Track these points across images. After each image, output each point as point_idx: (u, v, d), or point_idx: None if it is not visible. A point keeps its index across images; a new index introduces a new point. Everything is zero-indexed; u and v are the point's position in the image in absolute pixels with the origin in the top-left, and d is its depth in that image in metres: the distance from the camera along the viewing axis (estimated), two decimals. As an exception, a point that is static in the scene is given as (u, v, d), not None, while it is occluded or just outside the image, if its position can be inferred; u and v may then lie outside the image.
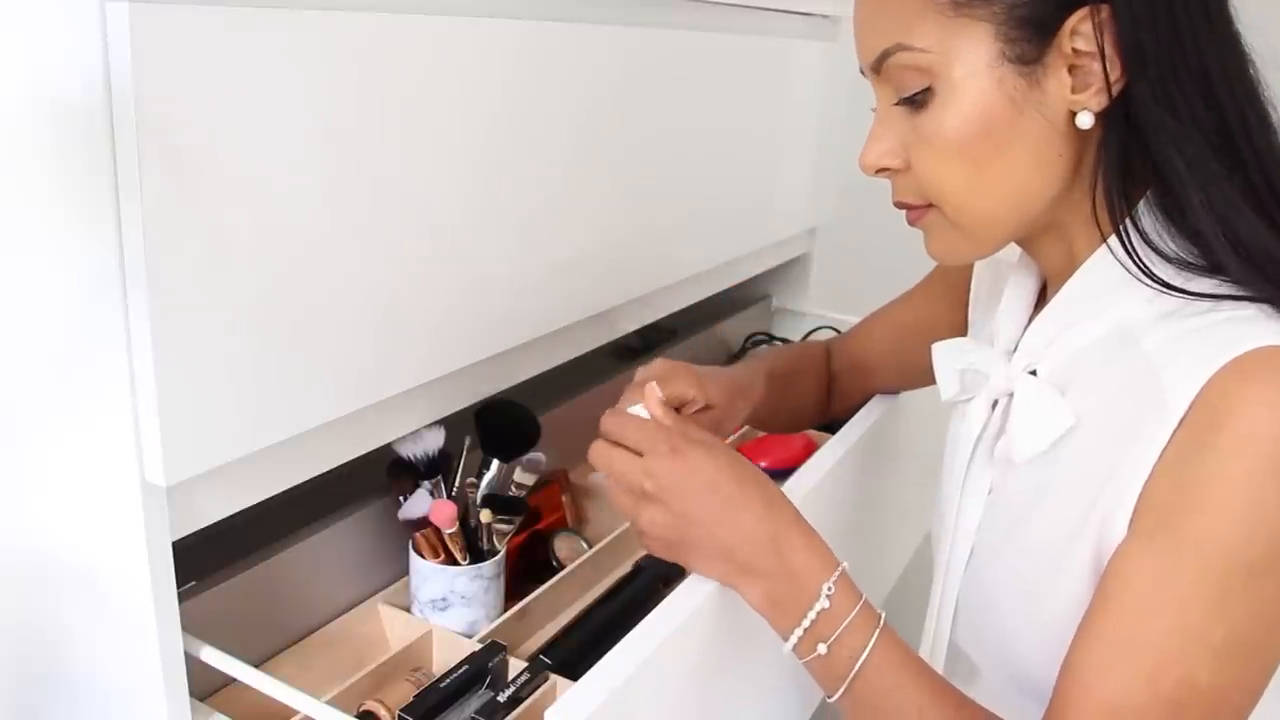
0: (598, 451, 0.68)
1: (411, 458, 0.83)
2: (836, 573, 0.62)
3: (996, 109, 0.58)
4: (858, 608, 0.61)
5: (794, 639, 0.62)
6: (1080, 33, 0.57)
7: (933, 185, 0.62)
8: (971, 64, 0.58)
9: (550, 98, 0.84)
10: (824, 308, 1.52)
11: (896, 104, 0.61)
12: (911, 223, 0.65)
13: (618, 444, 0.67)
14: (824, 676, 0.62)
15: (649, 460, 0.65)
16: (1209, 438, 0.53)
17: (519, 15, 0.79)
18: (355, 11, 0.64)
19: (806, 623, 0.61)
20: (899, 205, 0.65)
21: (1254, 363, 0.53)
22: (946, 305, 0.89)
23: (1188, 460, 0.54)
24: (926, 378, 0.93)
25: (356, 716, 0.74)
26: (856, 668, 0.60)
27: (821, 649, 0.61)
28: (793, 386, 0.96)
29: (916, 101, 0.60)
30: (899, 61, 0.60)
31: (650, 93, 0.98)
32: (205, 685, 0.73)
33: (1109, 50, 0.56)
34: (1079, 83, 0.58)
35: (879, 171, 0.64)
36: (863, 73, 0.64)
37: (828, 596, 0.61)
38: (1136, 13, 0.56)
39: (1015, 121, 0.59)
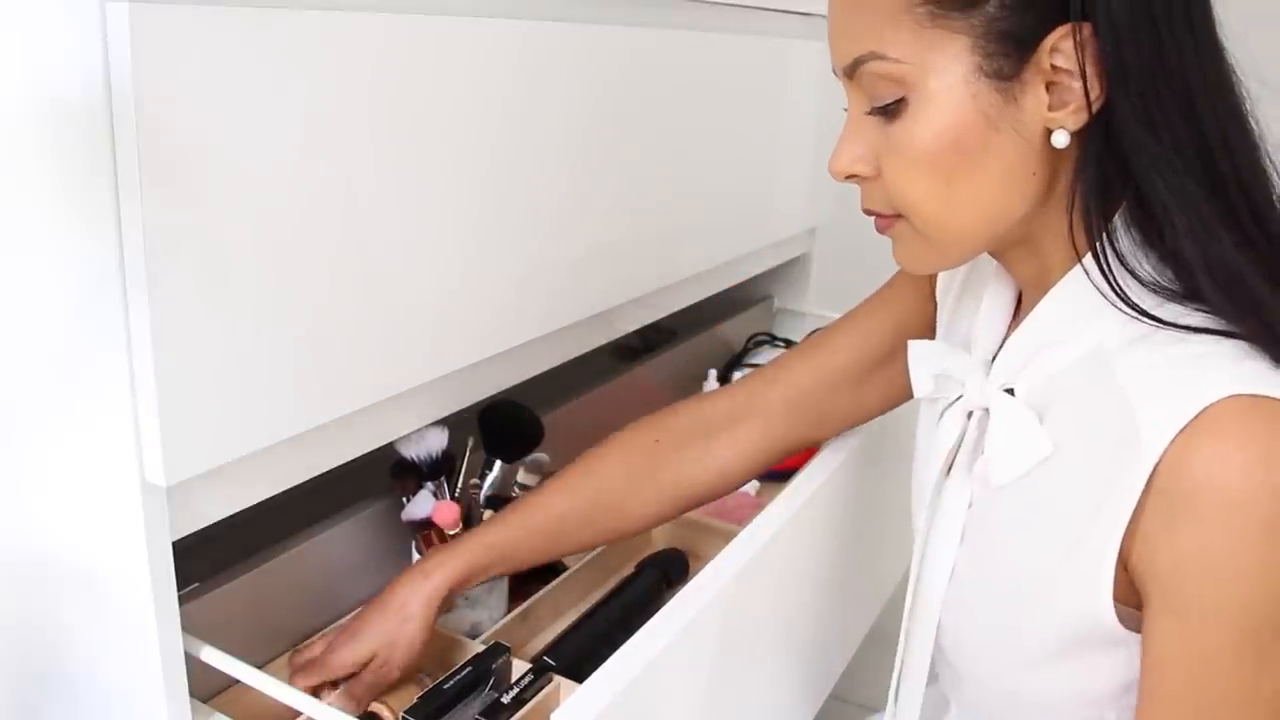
0: None
1: (415, 459, 0.83)
2: None
3: (970, 124, 0.57)
4: None
5: None
6: (1060, 50, 0.55)
7: (901, 196, 0.60)
8: (947, 77, 0.56)
9: (550, 98, 0.84)
10: (824, 308, 1.52)
11: (869, 112, 0.60)
12: (880, 230, 0.64)
13: None
14: None
15: None
16: (1198, 508, 0.52)
17: (520, 15, 0.79)
18: (355, 12, 0.64)
19: None
20: (867, 213, 0.64)
21: (1224, 419, 0.52)
22: (911, 310, 0.84)
23: (1180, 529, 0.53)
24: (892, 399, 0.88)
25: (361, 717, 0.74)
26: None
27: None
28: (562, 503, 0.82)
29: (889, 111, 0.58)
30: (872, 70, 0.58)
31: (650, 93, 0.98)
32: (208, 687, 0.73)
33: (1090, 68, 0.55)
34: (1056, 100, 0.57)
35: (848, 178, 0.63)
36: (835, 73, 0.63)
37: None
38: (1119, 31, 0.54)
39: (989, 138, 0.57)
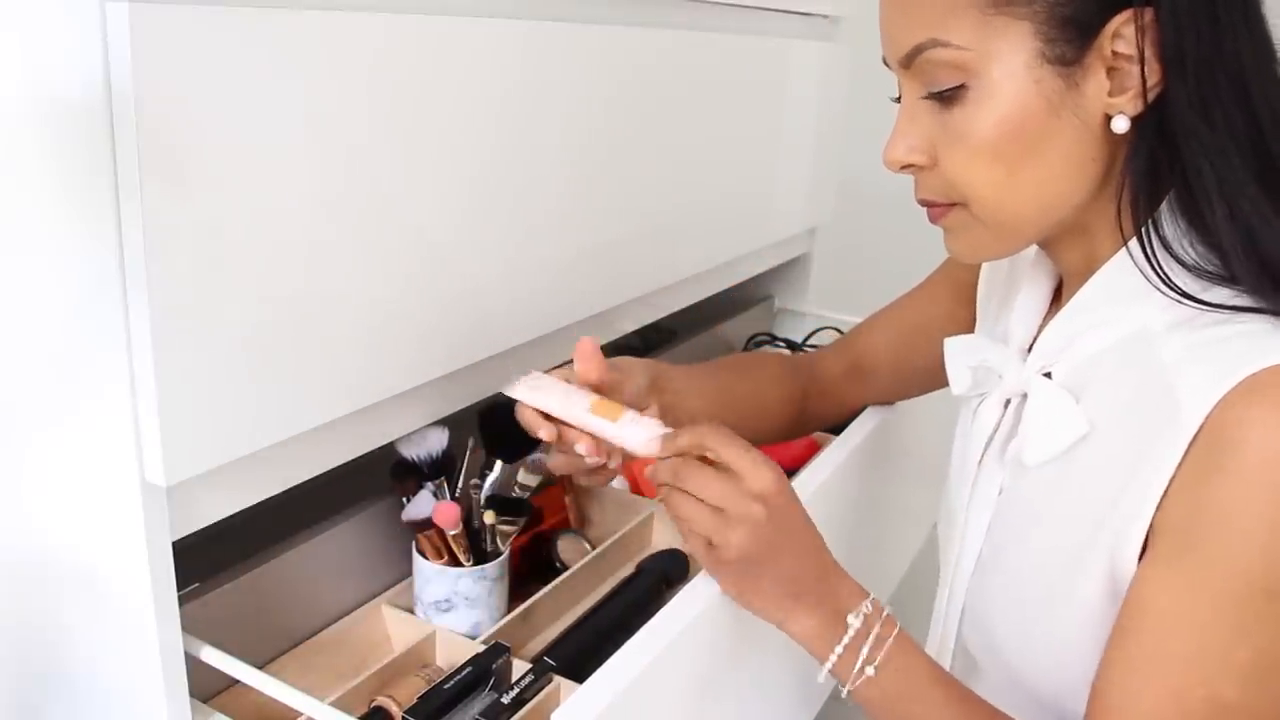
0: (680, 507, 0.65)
1: (415, 459, 0.83)
2: (869, 598, 0.65)
3: (1033, 110, 0.57)
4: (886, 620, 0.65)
5: (834, 655, 0.64)
6: (1122, 35, 0.56)
7: (962, 184, 0.60)
8: (1010, 63, 0.56)
9: (550, 98, 0.84)
10: (824, 308, 1.52)
11: (925, 98, 0.59)
12: (934, 220, 0.64)
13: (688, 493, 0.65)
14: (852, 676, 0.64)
15: (730, 517, 0.63)
16: (1222, 462, 0.53)
17: (520, 15, 0.79)
18: (356, 12, 0.64)
19: (847, 638, 0.64)
20: (923, 203, 0.63)
21: (1265, 384, 0.52)
22: (953, 303, 0.88)
23: (1202, 483, 0.54)
24: (924, 383, 0.92)
25: (369, 711, 0.74)
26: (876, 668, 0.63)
27: (868, 669, 0.63)
28: (737, 386, 0.92)
29: (947, 98, 0.58)
30: (933, 57, 0.58)
31: (650, 93, 0.98)
32: (208, 687, 0.73)
33: (1149, 54, 0.55)
34: (1116, 86, 0.57)
35: (903, 168, 0.62)
36: (886, 64, 0.62)
37: (864, 615, 0.64)
38: (1180, 18, 0.55)
39: (1051, 123, 0.57)
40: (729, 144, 1.16)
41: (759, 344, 1.47)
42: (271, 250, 0.62)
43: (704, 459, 0.65)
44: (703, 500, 0.63)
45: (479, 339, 0.82)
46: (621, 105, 0.94)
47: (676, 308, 1.15)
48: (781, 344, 1.46)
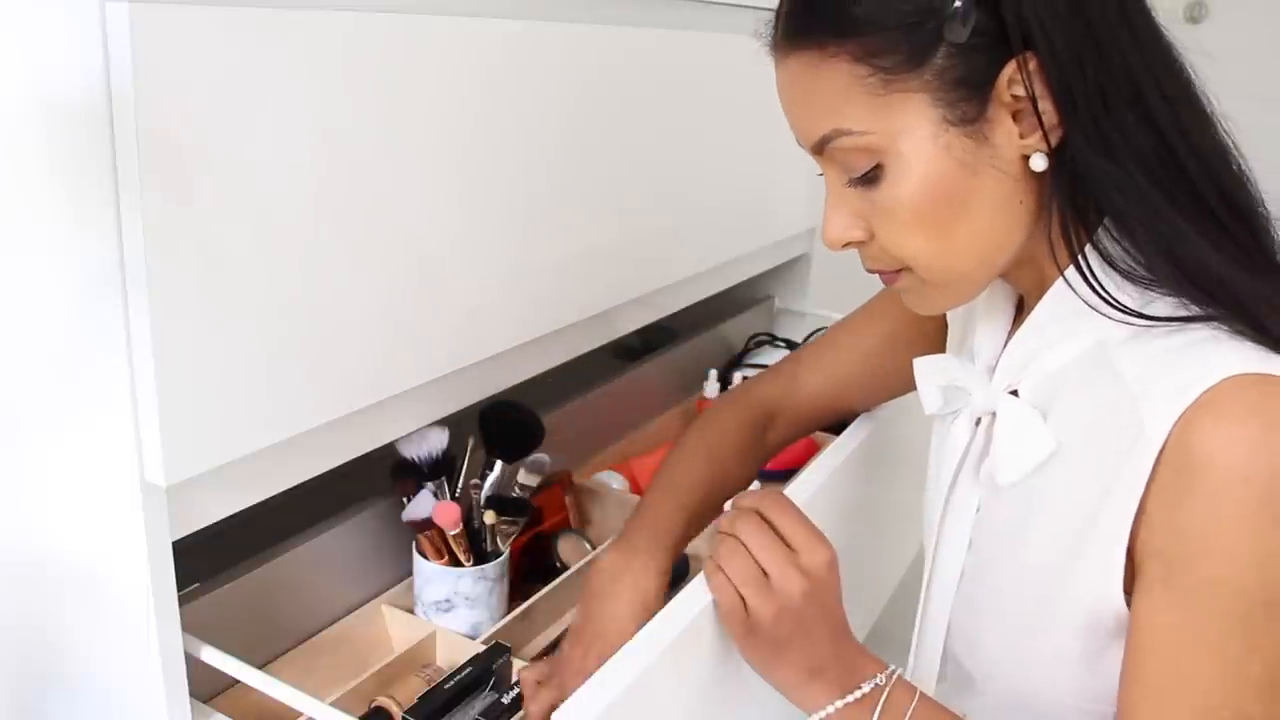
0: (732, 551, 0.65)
1: (415, 459, 0.83)
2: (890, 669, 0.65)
3: (950, 175, 0.57)
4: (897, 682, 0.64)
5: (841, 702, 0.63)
6: (1016, 81, 0.56)
7: (899, 254, 0.61)
8: (916, 136, 0.57)
9: (550, 98, 0.84)
10: (824, 308, 1.52)
11: (848, 184, 0.60)
12: (887, 285, 0.65)
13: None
14: None
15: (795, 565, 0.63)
16: (1195, 484, 0.53)
17: (520, 15, 0.79)
18: (355, 12, 0.64)
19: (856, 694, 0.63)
20: (871, 272, 0.65)
21: (1224, 397, 0.53)
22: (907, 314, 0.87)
23: (1178, 506, 0.54)
24: (905, 385, 0.91)
25: (369, 711, 0.74)
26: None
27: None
28: (712, 495, 0.88)
29: (868, 179, 0.59)
30: (841, 145, 0.59)
31: (650, 92, 0.98)
32: (209, 687, 0.73)
33: (1042, 96, 0.56)
34: (1025, 127, 0.57)
35: (845, 245, 0.63)
36: (801, 145, 0.64)
37: (877, 684, 0.63)
38: (1060, 56, 0.55)
39: (971, 182, 0.58)
40: (729, 144, 1.16)
41: (759, 344, 1.47)
42: (271, 250, 0.62)
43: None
44: (755, 559, 0.64)
45: (479, 339, 0.82)
46: (621, 105, 0.94)
47: (676, 308, 1.16)
48: (781, 344, 1.46)
